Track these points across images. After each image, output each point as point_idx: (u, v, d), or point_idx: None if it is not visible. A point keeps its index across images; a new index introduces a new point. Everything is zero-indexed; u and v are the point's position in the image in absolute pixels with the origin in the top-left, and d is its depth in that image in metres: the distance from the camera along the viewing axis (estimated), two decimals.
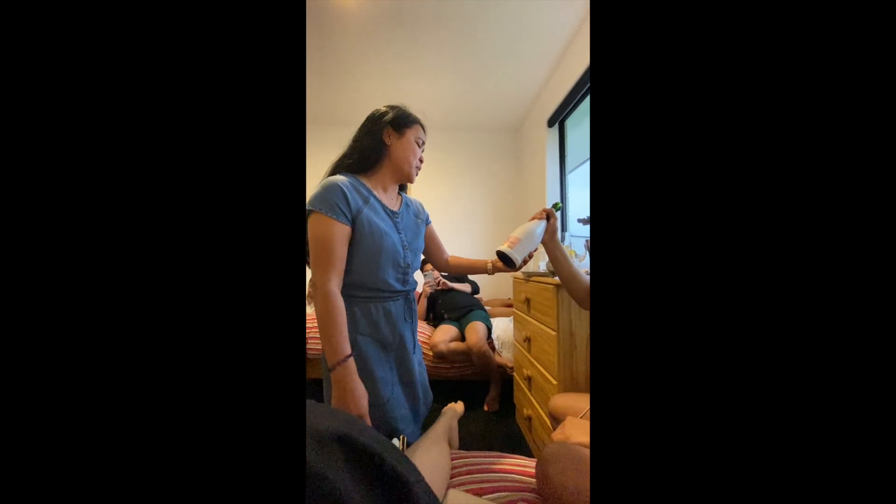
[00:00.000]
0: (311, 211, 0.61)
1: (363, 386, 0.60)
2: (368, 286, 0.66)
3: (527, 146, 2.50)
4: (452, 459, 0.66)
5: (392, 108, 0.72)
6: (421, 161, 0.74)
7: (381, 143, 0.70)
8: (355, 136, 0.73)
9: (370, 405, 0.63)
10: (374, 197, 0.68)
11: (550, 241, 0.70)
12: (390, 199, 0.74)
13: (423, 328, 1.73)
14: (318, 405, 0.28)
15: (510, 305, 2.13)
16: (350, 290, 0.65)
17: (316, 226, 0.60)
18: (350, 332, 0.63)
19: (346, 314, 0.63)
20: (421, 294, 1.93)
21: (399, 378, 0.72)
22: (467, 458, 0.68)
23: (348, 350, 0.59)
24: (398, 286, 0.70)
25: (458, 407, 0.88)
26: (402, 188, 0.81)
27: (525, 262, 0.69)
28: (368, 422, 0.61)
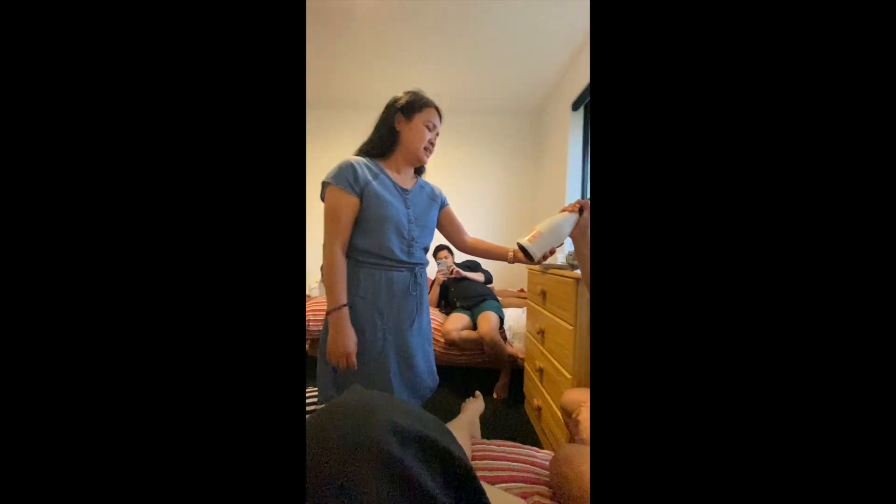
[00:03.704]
0: (327, 184, 0.71)
1: (353, 332, 0.70)
2: (374, 252, 0.73)
3: (548, 130, 2.39)
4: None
5: (407, 93, 0.76)
6: (431, 143, 0.78)
7: (392, 129, 0.76)
8: (375, 124, 0.79)
9: (357, 363, 0.71)
10: (385, 174, 0.75)
11: (581, 237, 0.66)
12: (403, 179, 0.79)
13: (435, 315, 1.75)
14: (386, 398, 0.28)
15: (523, 296, 2.12)
16: (358, 255, 0.74)
17: (329, 196, 0.71)
18: (351, 293, 0.72)
19: (352, 277, 0.73)
20: (433, 281, 1.93)
21: (394, 346, 0.76)
22: (483, 445, 0.69)
23: (344, 300, 0.70)
24: (402, 256, 0.76)
25: (479, 402, 0.90)
26: (419, 171, 0.86)
27: (545, 257, 0.66)
28: (353, 360, 0.69)
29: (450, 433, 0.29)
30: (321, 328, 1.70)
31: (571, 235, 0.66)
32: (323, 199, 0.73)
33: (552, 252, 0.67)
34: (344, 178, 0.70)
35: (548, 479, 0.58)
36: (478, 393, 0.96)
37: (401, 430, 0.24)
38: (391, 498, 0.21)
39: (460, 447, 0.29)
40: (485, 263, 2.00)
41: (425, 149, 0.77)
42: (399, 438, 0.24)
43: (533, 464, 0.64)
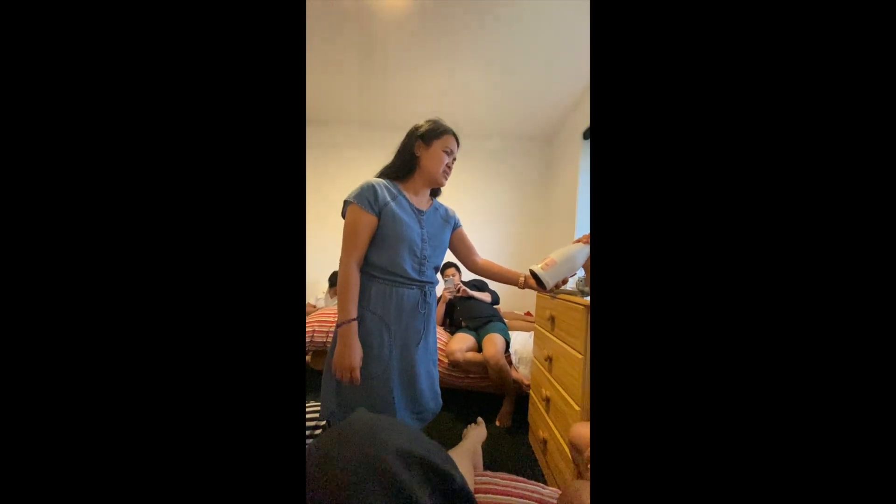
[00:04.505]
0: (348, 202, 0.75)
1: (360, 347, 0.71)
2: (387, 269, 0.76)
3: (559, 158, 2.45)
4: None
5: (428, 122, 0.82)
6: (448, 167, 0.82)
7: (413, 154, 0.81)
8: (398, 148, 0.84)
9: (361, 377, 0.72)
10: (404, 196, 0.79)
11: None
12: (420, 201, 0.84)
13: (439, 334, 1.72)
14: (390, 421, 0.29)
15: (530, 319, 2.08)
16: (372, 270, 0.76)
17: (349, 214, 0.75)
18: (362, 306, 0.74)
19: (364, 291, 0.75)
20: (440, 299, 1.92)
21: (399, 364, 0.77)
22: (487, 477, 0.66)
23: (354, 314, 0.72)
24: (413, 274, 0.78)
25: (481, 430, 0.87)
26: (435, 193, 0.91)
27: (558, 286, 0.67)
28: (357, 376, 0.70)
29: (450, 459, 0.30)
30: (325, 339, 1.68)
31: (584, 267, 0.67)
32: (344, 216, 0.76)
33: (564, 282, 0.68)
34: (364, 197, 0.74)
35: None
36: (480, 419, 0.93)
37: (405, 454, 0.25)
38: None
39: (461, 473, 0.29)
40: (491, 284, 1.99)
41: (443, 172, 0.81)
42: (404, 461, 0.25)
43: (539, 501, 0.61)
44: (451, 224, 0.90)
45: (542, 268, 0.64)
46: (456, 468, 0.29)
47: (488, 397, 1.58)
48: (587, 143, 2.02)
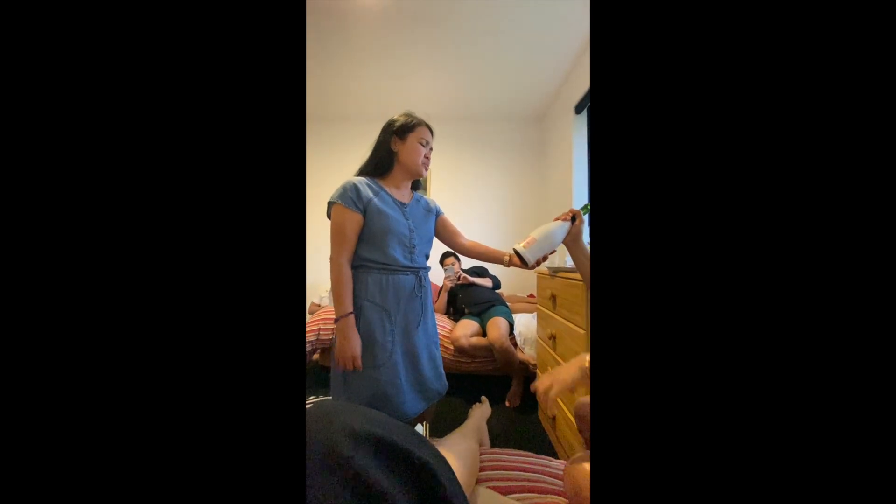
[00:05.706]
0: (332, 203, 0.78)
1: (359, 337, 0.75)
2: (379, 260, 0.79)
3: (551, 136, 2.39)
4: (480, 455, 0.66)
5: (400, 116, 0.84)
6: (427, 157, 0.85)
7: (390, 150, 0.83)
8: (373, 146, 0.86)
9: (368, 366, 0.76)
10: (385, 192, 0.82)
11: (574, 244, 0.70)
12: (401, 195, 0.86)
13: (443, 322, 1.73)
14: (350, 406, 0.29)
15: (532, 301, 2.08)
16: (365, 262, 0.79)
17: (335, 214, 0.78)
18: (360, 297, 0.77)
19: (359, 282, 0.78)
20: (441, 288, 1.93)
21: (402, 347, 0.80)
22: (494, 454, 0.67)
23: (350, 308, 0.75)
24: (405, 262, 0.82)
25: (485, 407, 0.89)
26: (416, 186, 0.95)
27: (539, 262, 0.70)
28: (359, 363, 0.73)
29: (417, 438, 0.29)
30: (331, 336, 1.71)
31: (564, 242, 0.70)
32: (329, 216, 0.79)
33: (545, 258, 0.70)
34: (348, 196, 0.76)
35: (562, 489, 0.56)
36: (484, 398, 0.95)
37: (354, 433, 0.25)
38: (335, 493, 0.22)
39: (431, 450, 0.29)
40: (492, 269, 1.99)
41: (422, 163, 0.84)
42: (353, 441, 0.25)
43: (546, 473, 0.62)
44: (433, 213, 0.93)
45: (524, 246, 0.67)
46: (424, 446, 0.28)
47: (496, 380, 1.60)
48: (580, 117, 1.97)
